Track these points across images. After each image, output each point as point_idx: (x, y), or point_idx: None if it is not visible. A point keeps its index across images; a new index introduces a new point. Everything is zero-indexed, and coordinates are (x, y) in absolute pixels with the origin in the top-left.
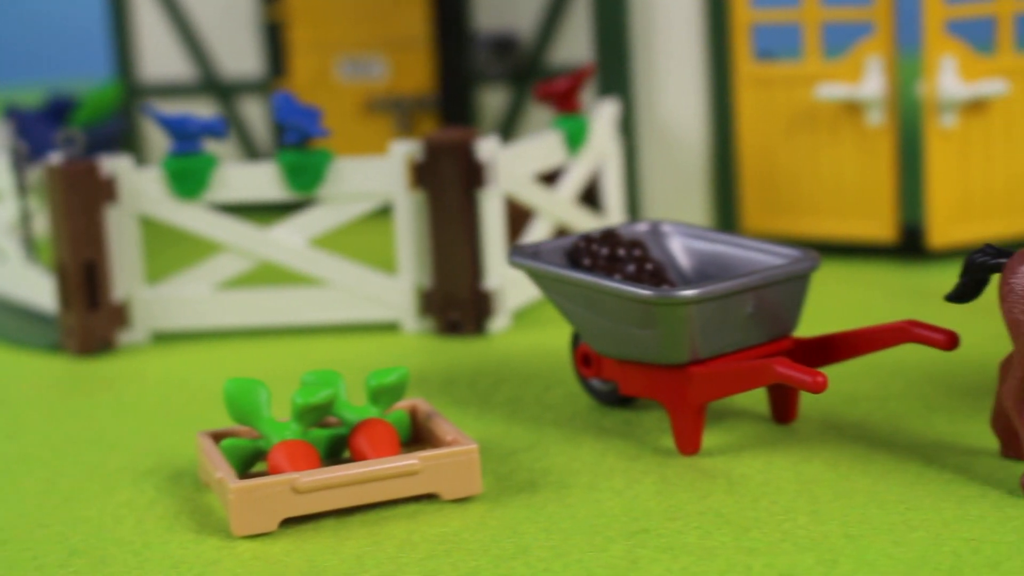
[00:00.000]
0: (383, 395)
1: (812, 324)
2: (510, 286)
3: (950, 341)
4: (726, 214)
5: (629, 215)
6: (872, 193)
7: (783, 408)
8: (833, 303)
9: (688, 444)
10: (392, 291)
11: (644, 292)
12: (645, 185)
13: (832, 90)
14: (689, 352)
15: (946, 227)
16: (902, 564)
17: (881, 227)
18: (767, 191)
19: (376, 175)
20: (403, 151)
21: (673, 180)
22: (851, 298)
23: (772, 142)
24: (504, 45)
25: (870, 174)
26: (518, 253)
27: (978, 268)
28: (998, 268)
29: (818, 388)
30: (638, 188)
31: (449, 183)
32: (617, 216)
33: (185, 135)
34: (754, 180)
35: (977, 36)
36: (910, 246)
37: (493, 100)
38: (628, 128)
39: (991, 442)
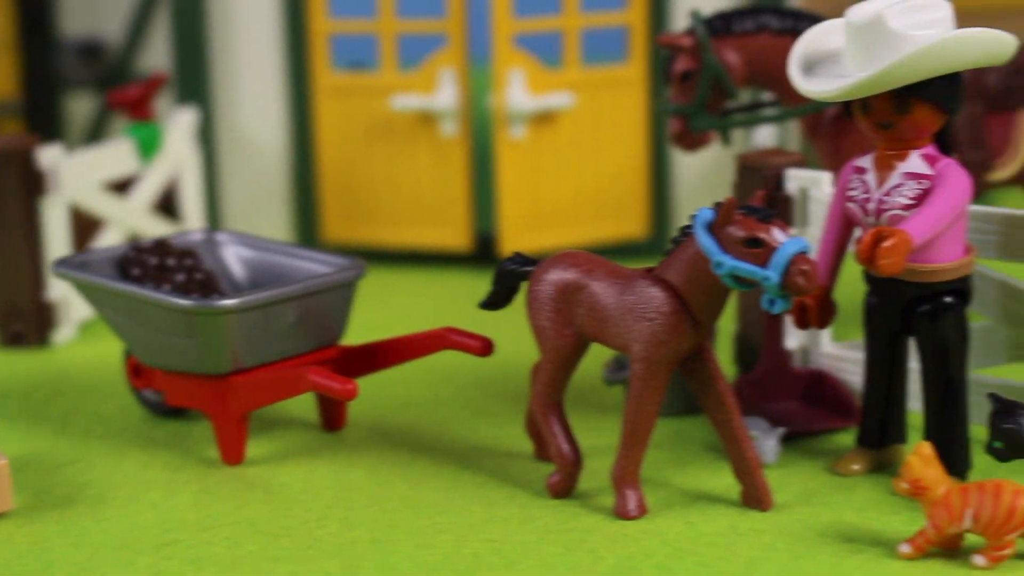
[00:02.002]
0: None
1: (379, 332)
2: (75, 296)
3: (484, 348)
4: (306, 224)
5: (208, 225)
6: (447, 202)
7: (331, 415)
8: (405, 311)
9: (231, 454)
10: None
11: (183, 302)
12: (224, 194)
13: (407, 101)
14: (231, 362)
15: (516, 236)
16: (423, 567)
17: (456, 236)
18: (347, 201)
19: None
20: None
21: (253, 190)
22: (422, 306)
23: (352, 152)
24: (91, 51)
25: (445, 184)
26: (63, 264)
27: (507, 276)
28: (526, 276)
29: (348, 396)
30: (217, 197)
31: (8, 192)
32: (196, 225)
33: None
34: (334, 190)
35: (544, 50)
36: (484, 254)
37: (80, 107)
38: (207, 137)
39: (527, 445)
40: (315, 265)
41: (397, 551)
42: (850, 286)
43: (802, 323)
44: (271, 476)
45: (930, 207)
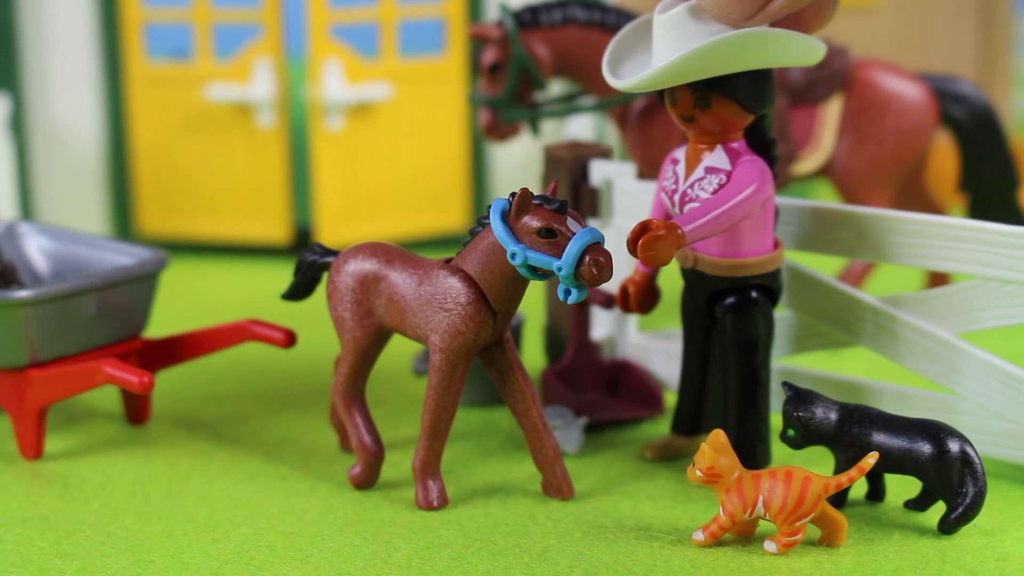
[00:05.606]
0: None
1: (194, 325)
2: None
3: (287, 339)
4: (121, 215)
5: (21, 216)
6: (265, 194)
7: (134, 409)
8: (221, 304)
9: (30, 448)
10: None
11: None
12: (38, 184)
13: (222, 91)
14: (28, 355)
15: (335, 227)
16: (215, 561)
17: (274, 228)
18: (163, 192)
19: None
20: None
21: (67, 180)
22: (239, 298)
23: (167, 143)
24: None
25: (263, 175)
26: None
27: (308, 266)
28: (326, 267)
29: (144, 389)
30: (29, 188)
31: None
32: (6, 217)
33: None
34: (149, 181)
35: (361, 41)
36: (303, 246)
37: None
38: (18, 125)
39: (332, 437)
40: (118, 256)
41: (191, 545)
42: (671, 275)
43: (625, 307)
44: (69, 470)
45: (710, 203)
